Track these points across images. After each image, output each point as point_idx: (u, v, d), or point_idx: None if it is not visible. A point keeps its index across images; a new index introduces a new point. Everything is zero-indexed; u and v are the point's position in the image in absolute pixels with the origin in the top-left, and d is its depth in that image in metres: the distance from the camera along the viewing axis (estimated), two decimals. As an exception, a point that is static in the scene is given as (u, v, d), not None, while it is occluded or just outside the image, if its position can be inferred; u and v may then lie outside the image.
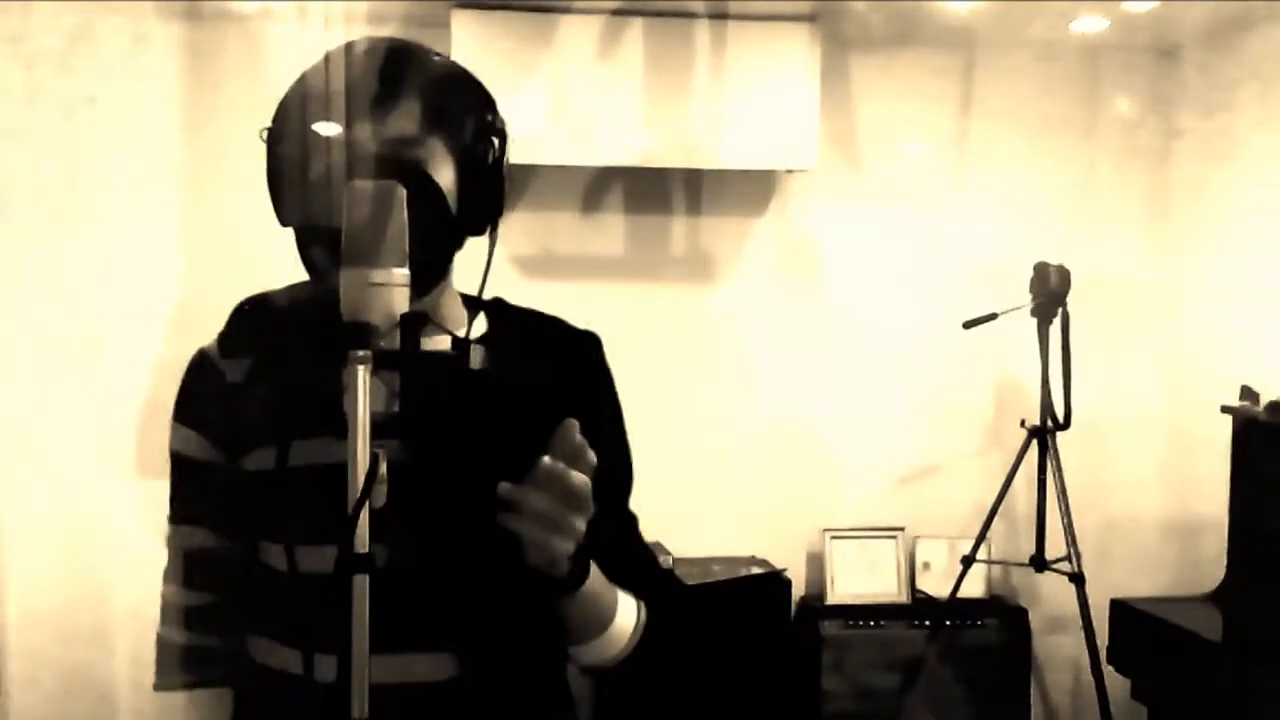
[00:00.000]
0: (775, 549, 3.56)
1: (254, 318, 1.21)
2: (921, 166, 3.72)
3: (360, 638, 0.94)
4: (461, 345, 1.17)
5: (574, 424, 1.01)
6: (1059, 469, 3.32)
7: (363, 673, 0.95)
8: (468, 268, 1.20)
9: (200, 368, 1.20)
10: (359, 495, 0.94)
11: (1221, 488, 3.10)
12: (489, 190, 1.16)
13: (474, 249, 1.19)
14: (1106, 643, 3.24)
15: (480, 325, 1.23)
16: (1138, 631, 3.14)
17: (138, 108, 3.29)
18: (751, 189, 3.60)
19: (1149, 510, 3.74)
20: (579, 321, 1.27)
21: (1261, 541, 2.99)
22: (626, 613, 1.19)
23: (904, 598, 3.58)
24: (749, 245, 3.64)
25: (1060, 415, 3.33)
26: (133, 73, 3.27)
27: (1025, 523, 3.55)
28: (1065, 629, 3.58)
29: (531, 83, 3.18)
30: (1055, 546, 3.31)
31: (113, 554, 3.24)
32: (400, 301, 0.98)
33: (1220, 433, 3.11)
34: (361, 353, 0.95)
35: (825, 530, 3.61)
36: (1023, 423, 3.40)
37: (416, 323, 0.99)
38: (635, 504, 1.28)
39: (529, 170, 3.29)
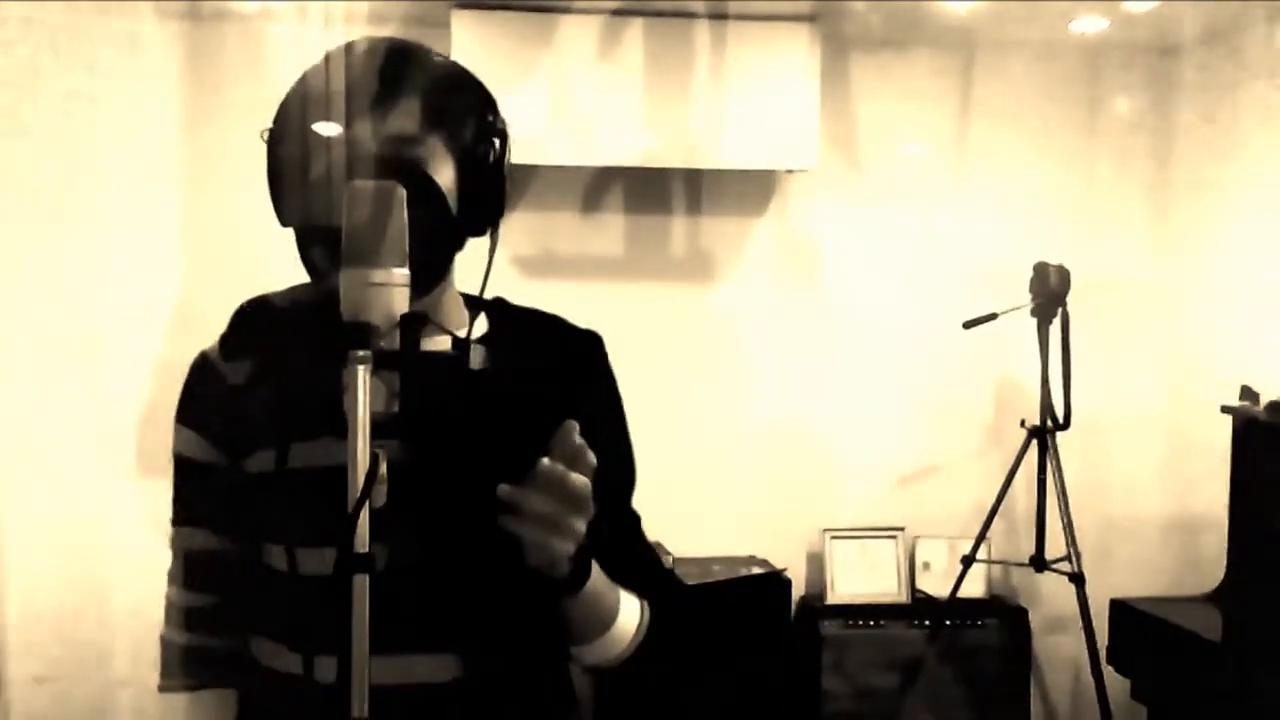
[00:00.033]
0: (775, 549, 3.56)
1: (255, 319, 1.21)
2: (921, 166, 3.72)
3: (360, 638, 0.94)
4: (461, 345, 1.17)
5: (574, 425, 1.01)
6: (1059, 469, 3.32)
7: (363, 673, 0.95)
8: (468, 268, 1.20)
9: (201, 370, 1.21)
10: (359, 495, 0.94)
11: (1221, 488, 3.10)
12: (489, 191, 1.15)
13: (475, 249, 1.19)
14: (1106, 643, 3.24)
15: (481, 325, 1.23)
16: (1138, 631, 3.14)
17: (138, 108, 3.29)
18: (751, 189, 3.60)
19: (1149, 510, 3.74)
20: (579, 322, 1.27)
21: (1261, 541, 2.99)
22: (629, 613, 1.19)
23: (904, 598, 3.58)
24: (749, 245, 3.64)
25: (1060, 415, 3.33)
26: (133, 73, 3.27)
27: (1025, 523, 3.55)
28: (1065, 629, 3.58)
29: (531, 83, 3.18)
30: (1055, 546, 3.31)
31: (113, 554, 3.24)
32: (400, 301, 0.98)
33: (1220, 433, 3.11)
34: (361, 353, 0.95)
35: (825, 530, 3.61)
36: (1023, 423, 3.40)
37: (416, 323, 0.99)
38: (636, 504, 1.28)
39: (529, 170, 3.29)
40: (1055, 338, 3.32)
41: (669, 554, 3.27)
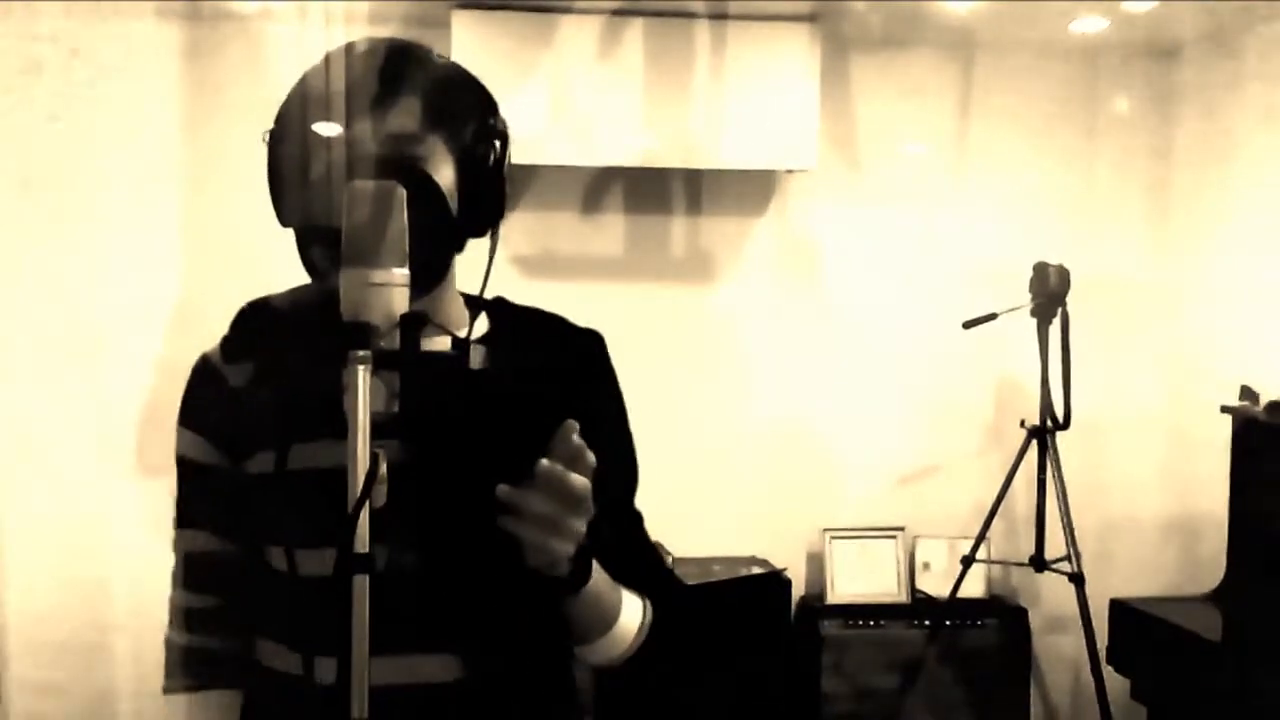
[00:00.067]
0: (775, 549, 3.56)
1: (256, 321, 1.21)
2: (921, 166, 3.72)
3: (360, 638, 0.94)
4: (461, 345, 1.17)
5: (573, 425, 1.01)
6: (1059, 469, 3.32)
7: (363, 673, 0.95)
8: (469, 268, 1.20)
9: (203, 372, 1.21)
10: (359, 495, 0.94)
11: (1221, 488, 3.10)
12: (490, 191, 1.15)
13: (475, 249, 1.19)
14: (1106, 643, 3.24)
15: (482, 325, 1.23)
16: (1138, 631, 3.14)
17: (138, 108, 3.29)
18: (751, 189, 3.60)
19: (1149, 510, 3.74)
20: (580, 322, 1.27)
21: (1261, 541, 2.99)
22: (631, 612, 1.19)
23: (904, 598, 3.58)
24: (749, 245, 3.64)
25: (1060, 415, 3.33)
26: (133, 73, 3.27)
27: (1025, 523, 3.55)
28: (1065, 629, 3.58)
29: (531, 83, 3.18)
30: (1055, 546, 3.31)
31: (113, 554, 3.24)
32: (400, 302, 0.98)
33: (1220, 433, 3.12)
34: (361, 353, 0.95)
35: (825, 530, 3.61)
36: (1022, 423, 3.40)
37: (416, 323, 0.98)
38: (637, 504, 1.28)
39: (529, 170, 3.29)
40: (1055, 338, 3.32)
41: (669, 554, 3.27)
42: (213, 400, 1.19)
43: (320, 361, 1.04)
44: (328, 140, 1.11)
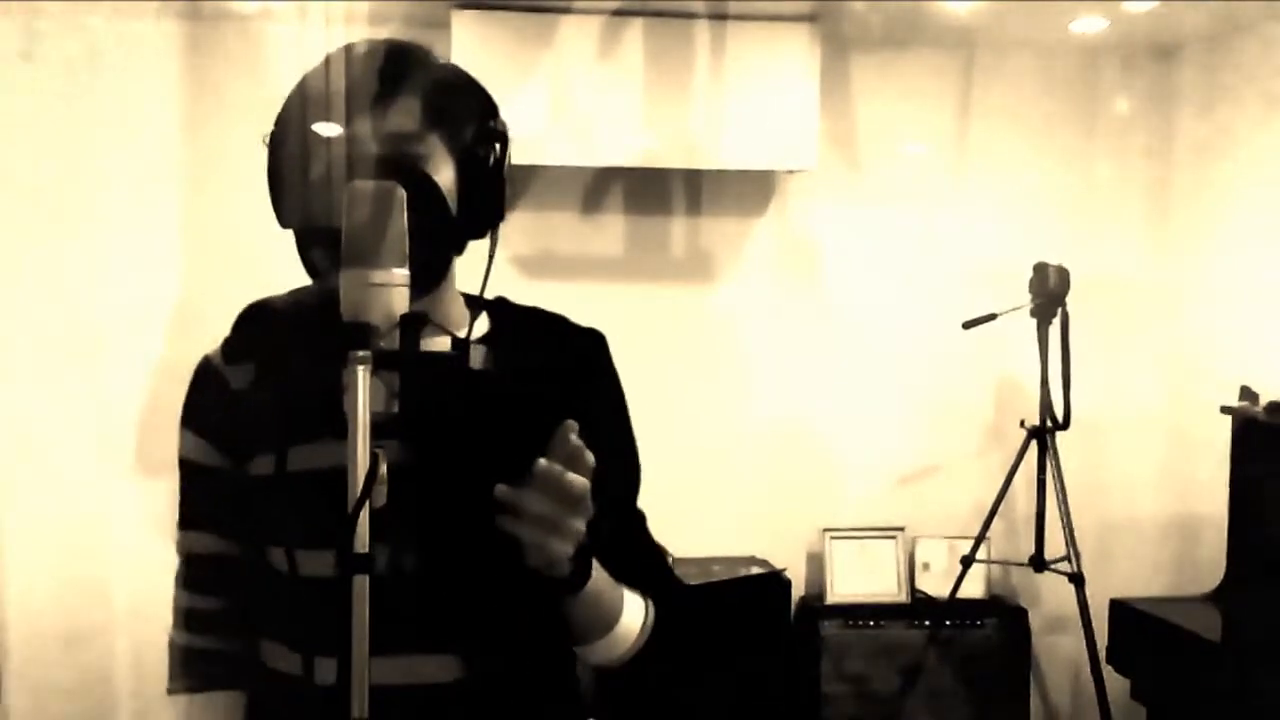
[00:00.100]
0: (775, 549, 3.56)
1: (257, 323, 1.21)
2: (921, 166, 3.72)
3: (360, 638, 0.94)
4: (461, 345, 1.17)
5: (572, 425, 1.01)
6: (1058, 469, 3.32)
7: (363, 673, 0.95)
8: (469, 269, 1.20)
9: (204, 374, 1.21)
10: (359, 495, 0.94)
11: (1221, 488, 3.10)
12: (489, 192, 1.15)
13: (476, 249, 1.19)
14: (1106, 643, 3.24)
15: (482, 325, 1.23)
16: (1137, 631, 3.14)
17: (138, 108, 3.29)
18: (751, 189, 3.60)
19: (1149, 510, 3.74)
20: (580, 322, 1.27)
21: (1261, 541, 2.99)
22: (633, 612, 1.19)
23: (904, 598, 3.58)
24: (749, 245, 3.64)
25: (1060, 415, 3.33)
26: (133, 73, 3.27)
27: (1025, 523, 3.55)
28: (1065, 629, 3.58)
29: (531, 83, 3.18)
30: (1055, 546, 3.31)
31: (113, 554, 3.25)
32: (400, 302, 0.98)
33: (1220, 433, 3.12)
34: (361, 353, 0.95)
35: (825, 530, 3.61)
36: (1022, 423, 3.40)
37: (416, 323, 0.98)
38: (639, 503, 1.28)
39: (529, 170, 3.29)
40: (1055, 338, 3.32)
41: (669, 554, 3.27)
42: (214, 402, 1.19)
43: (320, 362, 1.04)
44: (327, 141, 1.11)
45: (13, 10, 3.20)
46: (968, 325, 3.24)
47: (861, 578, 3.58)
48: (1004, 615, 3.57)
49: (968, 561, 3.40)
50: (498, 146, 1.16)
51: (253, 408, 1.16)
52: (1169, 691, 3.11)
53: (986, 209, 3.68)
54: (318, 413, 1.10)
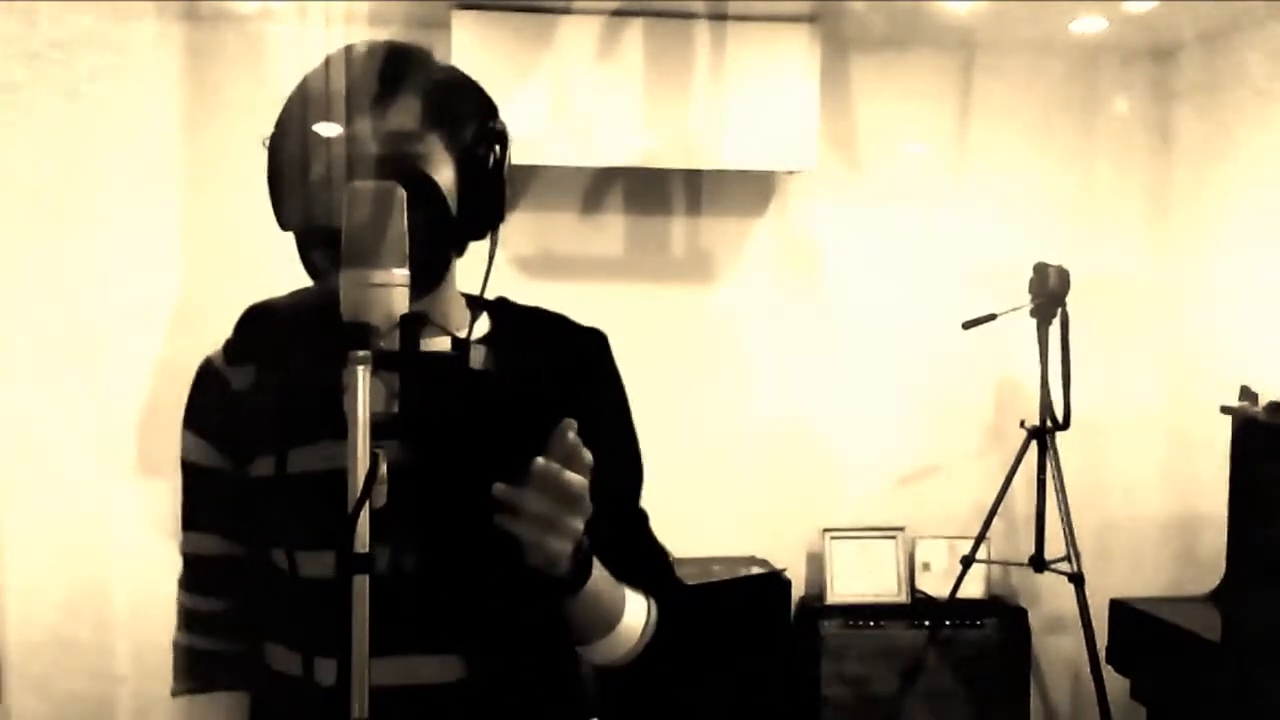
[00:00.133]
0: (775, 549, 3.56)
1: (258, 324, 1.21)
2: (921, 166, 3.72)
3: (360, 638, 0.94)
4: (461, 345, 1.17)
5: (570, 423, 1.01)
6: (1058, 469, 3.32)
7: (362, 673, 0.95)
8: (470, 269, 1.20)
9: (206, 376, 1.21)
10: (359, 496, 0.94)
11: (1221, 488, 3.10)
12: (489, 193, 1.15)
13: (476, 251, 1.19)
14: (1106, 643, 3.24)
15: (483, 325, 1.23)
16: (1137, 631, 3.14)
17: (138, 108, 3.29)
18: (751, 189, 3.60)
19: (1149, 510, 3.74)
20: (580, 322, 1.27)
21: (1261, 541, 2.99)
22: (635, 612, 1.19)
23: (904, 598, 3.58)
24: (749, 245, 3.64)
25: (1060, 415, 3.33)
26: (133, 73, 3.27)
27: (1025, 523, 3.55)
28: (1065, 629, 3.58)
29: (531, 83, 3.18)
30: (1055, 547, 3.31)
31: (113, 554, 3.25)
32: (400, 302, 0.98)
33: (1220, 433, 3.12)
34: (361, 353, 0.95)
35: (825, 530, 3.61)
36: (1022, 423, 3.40)
37: (416, 323, 0.99)
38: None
39: (529, 170, 3.29)
40: (1055, 338, 3.32)
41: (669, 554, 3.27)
42: (215, 403, 1.19)
43: (321, 363, 1.04)
44: (327, 141, 1.11)
45: (13, 10, 3.20)
46: (968, 325, 3.24)
47: (861, 578, 3.58)
48: (1004, 615, 3.57)
49: (968, 561, 3.40)
50: (498, 147, 1.16)
51: (254, 409, 1.17)
52: (1169, 691, 3.11)
53: (986, 209, 3.68)
54: (319, 414, 1.10)
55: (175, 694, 1.23)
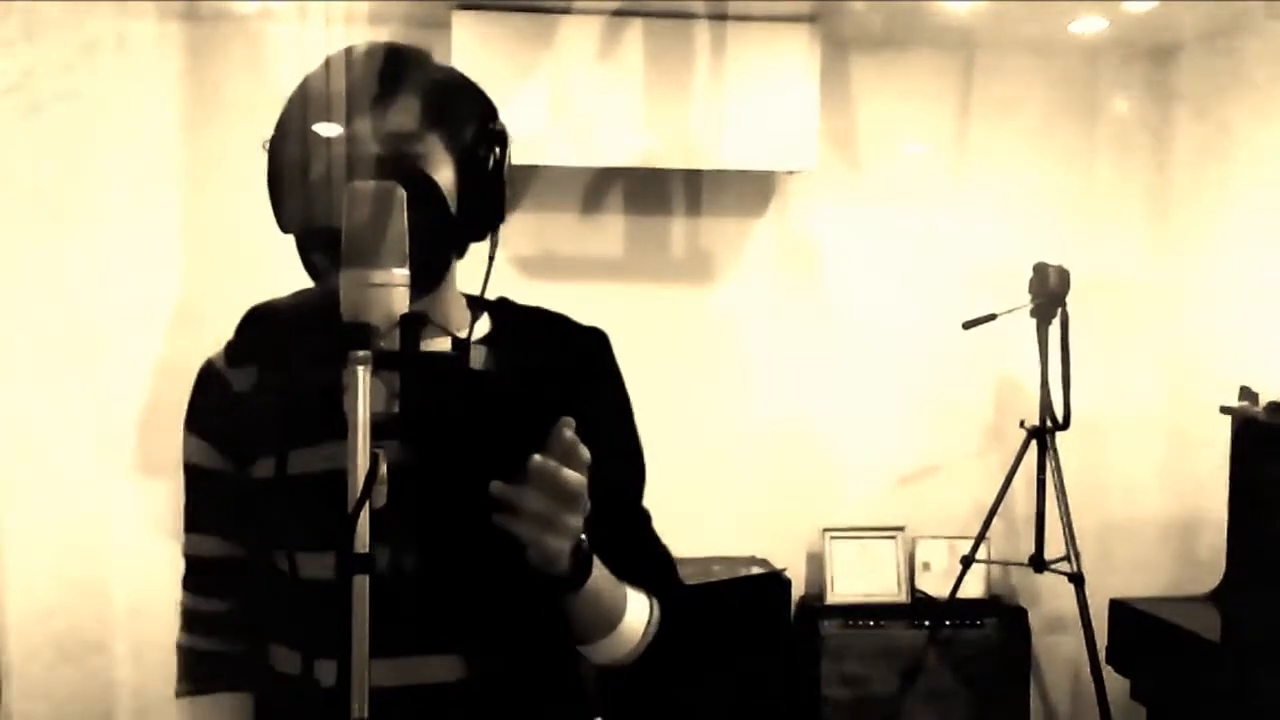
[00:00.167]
0: (775, 549, 3.56)
1: (260, 326, 1.21)
2: (921, 166, 3.72)
3: (360, 638, 0.94)
4: (461, 345, 1.17)
5: (568, 421, 1.01)
6: (1058, 469, 3.32)
7: (362, 673, 0.95)
8: (471, 270, 1.20)
9: (207, 378, 1.21)
10: (359, 495, 0.94)
11: (1221, 488, 3.10)
12: (489, 194, 1.15)
13: (477, 251, 1.19)
14: (1106, 643, 3.24)
15: (484, 326, 1.23)
16: (1137, 631, 3.14)
17: (138, 108, 3.29)
18: (751, 189, 3.60)
19: (1148, 510, 3.74)
20: (580, 321, 1.27)
21: (1261, 541, 2.99)
22: (637, 611, 1.19)
23: (904, 598, 3.58)
24: (749, 245, 3.64)
25: (1060, 415, 3.33)
26: (133, 73, 3.27)
27: (1025, 523, 3.55)
28: (1065, 629, 3.58)
29: (531, 83, 3.18)
30: (1055, 547, 3.31)
31: (113, 554, 3.25)
32: (400, 302, 0.98)
33: (1220, 433, 3.11)
34: (361, 353, 0.95)
35: (825, 530, 3.61)
36: (1022, 423, 3.40)
37: (416, 323, 0.98)
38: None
39: (529, 170, 3.29)
40: (1055, 338, 3.32)
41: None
42: (217, 405, 1.19)
43: (322, 364, 1.04)
44: (327, 141, 1.11)
45: (13, 10, 3.20)
46: (968, 325, 3.24)
47: (861, 578, 3.58)
48: (1004, 615, 3.57)
49: (968, 561, 3.40)
50: (497, 148, 1.16)
51: (255, 411, 1.17)
52: (1169, 691, 3.11)
53: (986, 209, 3.68)
54: (320, 415, 1.10)
55: (179, 695, 1.23)
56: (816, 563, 3.65)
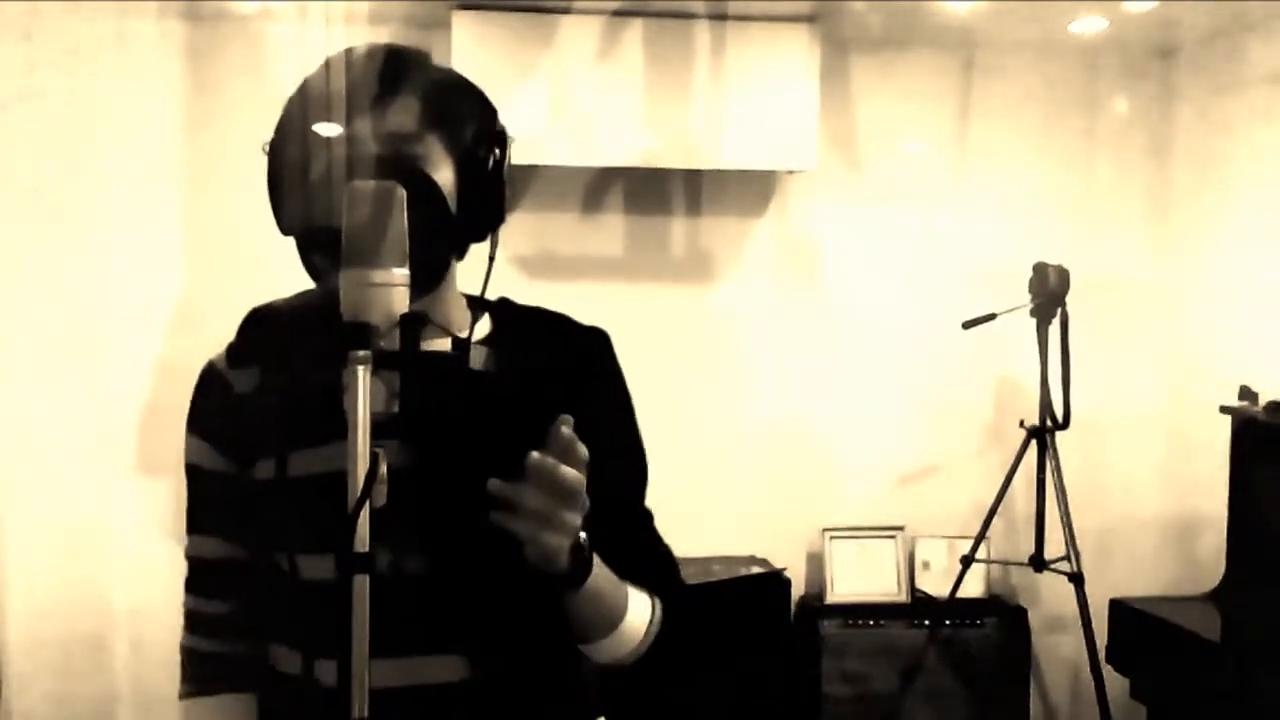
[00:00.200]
0: (775, 549, 3.56)
1: (261, 327, 1.21)
2: (921, 166, 3.72)
3: (360, 638, 0.94)
4: (462, 345, 1.17)
5: (566, 419, 1.01)
6: (1058, 469, 3.32)
7: (362, 673, 0.95)
8: (471, 270, 1.20)
9: (209, 379, 1.21)
10: (359, 495, 0.94)
11: (1221, 488, 3.10)
12: (489, 194, 1.15)
13: (477, 251, 1.19)
14: (1106, 642, 3.24)
15: (484, 326, 1.23)
16: (1137, 631, 3.14)
17: (138, 108, 3.29)
18: (751, 189, 3.60)
19: (1148, 510, 3.74)
20: (581, 321, 1.28)
21: (1261, 541, 2.99)
22: (639, 611, 1.19)
23: (904, 597, 3.58)
24: (749, 245, 3.64)
25: (1059, 415, 3.33)
26: (133, 73, 3.27)
27: (1025, 523, 3.55)
28: (1065, 629, 3.58)
29: (531, 83, 3.18)
30: (1055, 546, 3.31)
31: (113, 554, 3.24)
32: (400, 302, 0.98)
33: (1220, 433, 3.12)
34: (361, 353, 0.95)
35: (825, 530, 3.61)
36: (1022, 423, 3.40)
37: (416, 323, 0.98)
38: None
39: (529, 170, 3.29)
40: (1055, 338, 3.32)
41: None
42: (218, 407, 1.19)
43: (323, 365, 1.04)
44: (327, 142, 1.11)
45: (13, 10, 3.20)
46: (968, 325, 3.24)
47: (861, 577, 3.58)
48: (1004, 615, 3.57)
49: (967, 561, 3.40)
50: (497, 149, 1.16)
51: (256, 412, 1.17)
52: (1169, 691, 3.11)
53: (986, 209, 3.68)
54: (321, 416, 1.10)
55: (182, 697, 1.23)
56: (816, 562, 3.65)
